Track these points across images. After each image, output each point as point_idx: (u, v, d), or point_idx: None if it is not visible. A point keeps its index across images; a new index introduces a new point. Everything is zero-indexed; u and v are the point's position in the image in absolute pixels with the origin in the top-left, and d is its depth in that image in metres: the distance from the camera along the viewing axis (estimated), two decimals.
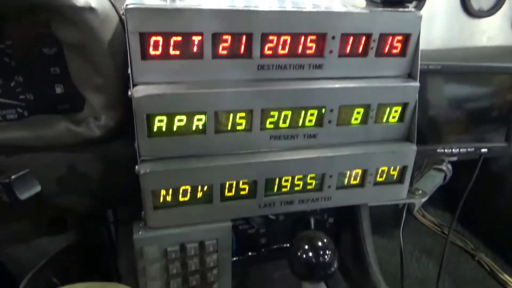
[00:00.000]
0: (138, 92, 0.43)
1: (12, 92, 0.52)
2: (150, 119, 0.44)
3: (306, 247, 0.43)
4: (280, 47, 0.47)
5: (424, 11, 0.71)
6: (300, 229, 0.65)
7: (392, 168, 0.54)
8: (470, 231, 1.38)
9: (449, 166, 0.68)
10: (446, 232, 1.37)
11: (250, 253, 0.66)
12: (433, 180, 0.64)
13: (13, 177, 0.36)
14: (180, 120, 0.45)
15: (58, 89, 0.54)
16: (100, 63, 0.46)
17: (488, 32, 0.80)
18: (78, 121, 0.50)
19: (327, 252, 0.43)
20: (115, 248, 0.97)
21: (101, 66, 0.46)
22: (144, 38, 0.42)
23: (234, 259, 0.62)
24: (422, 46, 0.69)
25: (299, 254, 0.43)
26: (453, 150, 0.66)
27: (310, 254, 0.43)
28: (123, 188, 0.54)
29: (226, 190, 0.49)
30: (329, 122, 0.50)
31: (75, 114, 0.52)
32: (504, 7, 0.78)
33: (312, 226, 0.64)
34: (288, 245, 0.67)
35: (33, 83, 0.52)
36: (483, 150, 0.68)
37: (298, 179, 0.52)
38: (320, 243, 0.44)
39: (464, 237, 1.35)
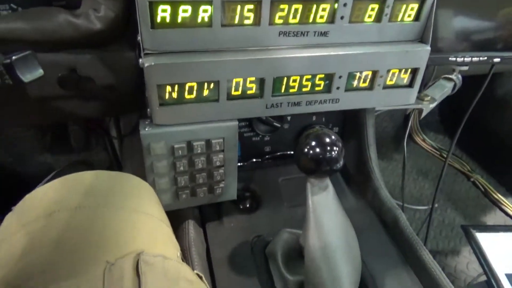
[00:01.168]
0: None
1: None
2: (153, 8, 0.41)
3: (313, 142, 0.43)
4: None
5: None
6: None
7: (403, 71, 0.53)
8: (468, 154, 1.40)
9: (459, 76, 0.66)
10: (445, 155, 1.39)
11: (254, 160, 0.66)
12: (442, 88, 0.62)
13: (14, 57, 0.34)
14: (184, 11, 0.43)
15: None
16: None
17: None
18: (77, 14, 0.48)
19: (334, 148, 0.43)
20: (119, 162, 0.98)
21: None
22: None
23: (240, 164, 0.62)
24: None
25: (305, 149, 0.43)
26: (465, 58, 0.64)
27: (318, 149, 0.43)
28: (125, 91, 0.53)
29: (233, 89, 0.48)
30: (342, 18, 0.48)
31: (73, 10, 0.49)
32: None
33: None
34: (292, 152, 0.67)
35: None
36: (496, 59, 0.65)
37: (307, 80, 0.50)
38: (327, 139, 0.43)
39: (461, 160, 1.38)
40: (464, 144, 1.43)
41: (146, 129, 0.48)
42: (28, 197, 0.39)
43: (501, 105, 1.31)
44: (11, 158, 0.98)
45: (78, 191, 0.38)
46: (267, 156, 0.67)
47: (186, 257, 0.50)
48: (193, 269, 0.48)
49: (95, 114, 0.69)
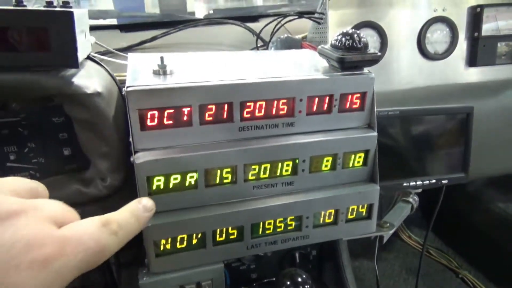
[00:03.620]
0: (139, 158, 0.51)
1: (25, 157, 0.60)
2: (149, 180, 0.52)
3: (288, 282, 0.51)
4: (257, 111, 0.56)
5: (387, 56, 0.81)
6: (286, 262, 0.73)
7: (360, 206, 0.63)
8: (454, 250, 1.46)
9: (416, 198, 0.77)
10: (432, 252, 1.45)
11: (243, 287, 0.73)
12: (401, 212, 0.72)
13: None
14: (175, 179, 0.54)
15: (66, 152, 0.62)
16: (106, 134, 0.54)
17: (445, 72, 0.90)
18: (86, 181, 0.58)
19: (306, 286, 0.51)
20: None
21: (107, 137, 0.54)
22: (142, 113, 0.51)
23: None
24: (387, 86, 0.79)
25: None
26: (417, 183, 0.75)
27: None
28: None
29: (218, 236, 0.57)
30: (303, 170, 0.59)
31: (82, 173, 0.59)
32: (456, 52, 0.88)
33: (297, 260, 0.72)
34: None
35: (43, 148, 0.60)
36: (444, 181, 0.77)
37: (280, 222, 0.59)
38: (299, 279, 0.51)
39: (448, 256, 1.43)
40: (449, 239, 1.49)
41: (144, 278, 0.55)
42: None
43: (474, 201, 1.41)
44: None
45: None
46: (254, 284, 0.73)
47: None
48: None
49: None
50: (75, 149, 0.61)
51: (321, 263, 0.77)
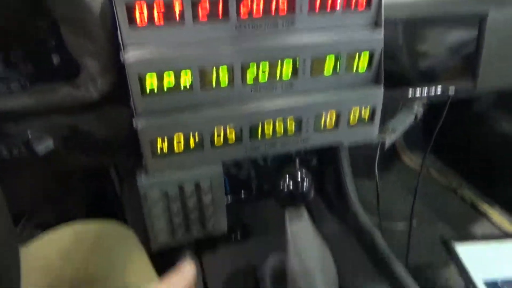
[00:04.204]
0: (129, 56, 0.48)
1: (13, 65, 0.57)
2: (142, 80, 0.50)
3: (287, 178, 0.51)
4: (254, 8, 0.52)
5: None
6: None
7: (363, 110, 0.61)
8: (455, 171, 1.47)
9: (420, 108, 0.74)
10: (432, 172, 1.46)
11: (242, 194, 0.74)
12: (404, 119, 0.70)
13: (30, 136, 0.42)
14: (169, 80, 0.51)
15: (55, 59, 0.59)
16: (93, 31, 0.51)
17: None
18: (77, 85, 0.56)
19: (304, 183, 0.51)
20: (121, 202, 1.05)
21: (93, 34, 0.51)
22: (130, 6, 0.47)
23: (228, 199, 0.70)
24: None
25: (280, 184, 0.51)
26: (423, 91, 0.72)
27: (291, 185, 0.51)
28: (122, 142, 0.60)
29: (215, 138, 0.56)
30: (303, 72, 0.56)
31: (72, 80, 0.58)
32: None
33: (297, 167, 0.72)
34: None
35: (31, 56, 0.58)
36: (451, 91, 0.74)
37: (279, 124, 0.58)
38: (298, 175, 0.51)
39: (448, 176, 1.44)
40: (450, 160, 1.49)
41: (143, 179, 0.55)
42: (24, 250, 0.46)
43: (477, 121, 1.39)
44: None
45: (70, 241, 0.46)
46: (253, 190, 0.74)
47: None
48: None
49: (96, 164, 0.77)
50: (64, 57, 0.58)
51: (321, 171, 0.77)
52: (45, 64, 0.59)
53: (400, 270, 0.58)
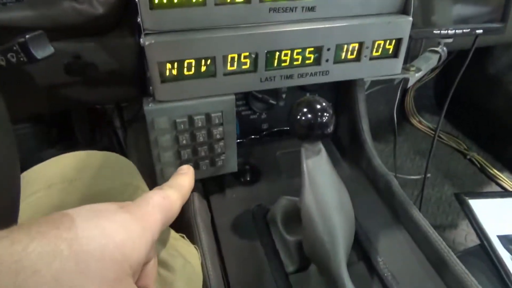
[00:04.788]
0: None
1: None
2: None
3: (305, 109, 0.46)
4: None
5: None
6: None
7: (388, 42, 0.56)
8: (465, 134, 1.44)
9: (444, 49, 0.70)
10: (442, 136, 1.43)
11: (252, 136, 0.70)
12: (427, 60, 0.65)
13: (27, 36, 0.38)
14: None
15: None
16: None
17: None
18: (80, 0, 0.51)
19: (325, 113, 0.46)
20: (124, 151, 1.02)
21: None
22: None
23: (238, 141, 0.66)
24: None
25: (298, 115, 0.46)
26: (449, 31, 0.67)
27: (309, 115, 0.46)
28: (127, 75, 0.56)
29: (229, 64, 0.51)
30: None
31: None
32: None
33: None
34: (288, 128, 0.71)
35: None
36: (478, 30, 0.68)
37: (297, 53, 0.53)
38: (318, 106, 0.47)
39: (458, 139, 1.41)
40: (460, 123, 1.46)
41: (150, 105, 0.51)
42: (26, 174, 0.43)
43: (493, 84, 1.34)
44: (19, 155, 1.02)
45: (73, 167, 0.43)
46: (264, 133, 0.70)
47: (191, 225, 0.54)
48: (199, 235, 0.52)
49: (100, 100, 0.73)
50: None
51: (336, 115, 0.73)
52: None
53: (417, 214, 0.55)
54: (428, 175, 0.81)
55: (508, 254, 0.67)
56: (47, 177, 0.42)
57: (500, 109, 1.32)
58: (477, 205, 0.75)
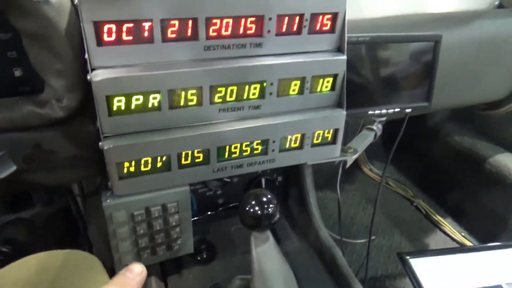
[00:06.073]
0: (96, 76, 0.47)
1: None
2: (109, 100, 0.49)
3: (253, 202, 0.52)
4: (223, 29, 0.53)
5: None
6: (252, 188, 0.74)
7: (326, 131, 0.63)
8: (411, 180, 1.54)
9: (379, 126, 0.78)
10: (390, 183, 1.53)
11: (209, 213, 0.74)
12: (364, 139, 0.73)
13: None
14: (137, 99, 0.51)
15: (17, 72, 0.57)
16: (59, 49, 0.50)
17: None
18: (41, 103, 0.54)
19: (270, 205, 0.52)
20: (84, 219, 1.02)
21: (60, 52, 0.50)
22: (98, 26, 0.46)
23: (195, 218, 0.69)
24: (357, 14, 0.77)
25: (247, 208, 0.51)
26: (382, 111, 0.76)
27: (256, 208, 0.51)
28: (87, 160, 0.59)
29: (183, 159, 0.56)
30: (270, 94, 0.58)
31: (36, 95, 0.55)
32: None
33: (263, 185, 0.73)
34: None
35: None
36: (407, 110, 0.78)
37: (246, 145, 0.59)
38: (264, 198, 0.52)
39: (405, 186, 1.52)
40: (407, 171, 1.57)
41: (108, 200, 0.54)
42: None
43: (433, 135, 1.47)
44: None
45: (35, 271, 0.45)
46: (220, 208, 0.75)
47: None
48: None
49: (60, 182, 0.74)
50: (27, 70, 0.56)
51: (286, 189, 0.78)
52: (5, 77, 0.56)
53: (358, 286, 0.61)
54: (373, 237, 0.88)
55: None
56: (10, 284, 0.43)
57: (441, 158, 1.44)
58: (417, 264, 0.82)
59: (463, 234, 1.26)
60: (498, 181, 1.13)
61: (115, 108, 0.50)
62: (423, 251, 0.89)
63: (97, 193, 0.88)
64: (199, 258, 0.68)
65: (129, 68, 0.50)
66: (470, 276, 0.78)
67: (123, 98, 0.50)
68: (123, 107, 0.51)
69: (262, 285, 0.50)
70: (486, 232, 1.03)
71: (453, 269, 0.79)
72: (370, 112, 0.76)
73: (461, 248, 1.09)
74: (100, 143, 0.51)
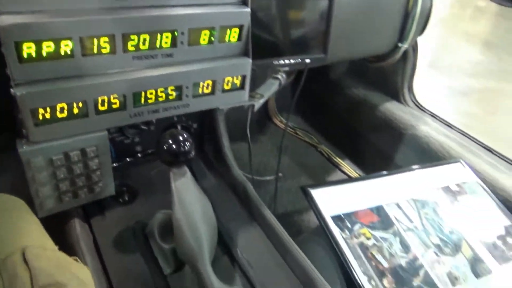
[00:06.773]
0: (3, 21, 0.47)
1: None
2: (18, 47, 0.50)
3: (170, 140, 0.57)
4: None
5: None
6: None
7: (235, 78, 0.70)
8: (316, 129, 1.70)
9: (283, 75, 0.87)
10: (299, 132, 1.67)
11: (128, 159, 0.77)
12: (270, 86, 0.82)
13: None
14: (48, 46, 0.52)
15: None
16: None
17: None
18: None
19: (186, 143, 0.57)
20: None
21: None
22: None
23: (115, 165, 0.73)
24: None
25: (165, 146, 0.57)
26: (285, 61, 0.85)
27: (174, 145, 0.57)
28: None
29: (99, 105, 0.59)
30: (182, 43, 0.62)
31: None
32: None
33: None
34: None
35: None
36: (307, 60, 0.88)
37: (161, 91, 0.63)
38: (180, 137, 0.58)
39: (311, 135, 1.67)
40: (313, 121, 1.72)
41: (24, 147, 0.55)
42: None
43: (334, 87, 1.62)
44: None
45: None
46: (138, 155, 0.79)
47: (75, 249, 0.60)
48: (83, 258, 0.59)
49: None
50: None
51: (201, 135, 0.85)
52: None
53: (268, 213, 0.71)
54: (280, 174, 0.99)
55: (338, 229, 0.89)
56: None
57: (341, 108, 1.61)
58: (317, 194, 0.96)
59: (357, 172, 1.45)
60: (386, 126, 1.32)
61: (25, 55, 0.51)
62: (322, 183, 1.02)
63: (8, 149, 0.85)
64: (121, 200, 0.72)
65: (38, 15, 0.50)
66: (359, 200, 0.93)
67: (33, 45, 0.51)
68: (34, 54, 0.51)
69: (182, 214, 0.57)
70: (376, 169, 1.21)
71: (345, 196, 0.94)
72: (275, 62, 0.84)
73: (352, 179, 1.27)
74: (11, 90, 0.51)
